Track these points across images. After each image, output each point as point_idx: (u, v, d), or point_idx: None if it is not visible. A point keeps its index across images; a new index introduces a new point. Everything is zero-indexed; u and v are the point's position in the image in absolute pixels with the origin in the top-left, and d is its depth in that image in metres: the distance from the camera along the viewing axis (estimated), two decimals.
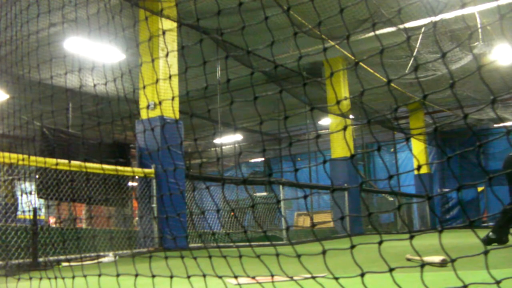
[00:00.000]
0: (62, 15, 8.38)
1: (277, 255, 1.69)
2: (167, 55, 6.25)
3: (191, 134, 15.39)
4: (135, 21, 7.89)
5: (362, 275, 1.46)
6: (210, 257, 2.08)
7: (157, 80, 5.92)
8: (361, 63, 10.49)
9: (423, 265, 1.37)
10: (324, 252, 1.54)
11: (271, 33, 1.84)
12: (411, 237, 1.30)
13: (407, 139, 17.90)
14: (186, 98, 8.93)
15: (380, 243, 1.39)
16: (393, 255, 3.96)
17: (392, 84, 11.72)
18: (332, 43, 8.78)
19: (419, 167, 1.54)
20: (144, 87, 6.51)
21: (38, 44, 4.11)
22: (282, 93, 2.14)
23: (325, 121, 16.89)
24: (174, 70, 7.92)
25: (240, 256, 1.92)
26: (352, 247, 1.48)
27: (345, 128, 1.58)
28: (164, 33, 6.44)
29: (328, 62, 11.25)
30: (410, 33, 9.35)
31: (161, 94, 7.34)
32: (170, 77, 6.63)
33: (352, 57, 10.63)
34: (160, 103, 7.14)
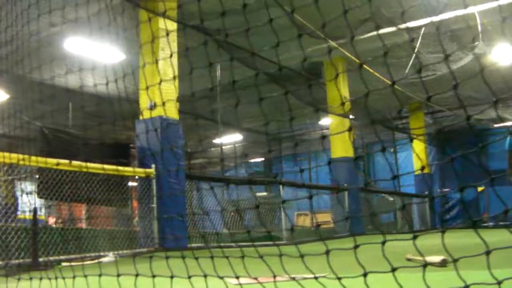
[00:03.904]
0: (62, 15, 8.37)
1: (280, 255, 1.69)
2: (171, 56, 6.25)
3: (191, 134, 15.39)
4: (137, 21, 7.88)
5: (365, 275, 1.46)
6: (212, 257, 2.08)
7: (160, 81, 5.92)
8: (360, 63, 10.46)
9: (425, 265, 1.37)
10: (327, 252, 1.54)
11: (276, 35, 1.84)
12: (415, 237, 1.30)
13: (411, 140, 17.86)
14: (186, 98, 8.94)
15: (383, 243, 1.38)
16: (393, 255, 3.94)
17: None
18: (332, 43, 8.77)
19: (422, 168, 1.54)
20: (147, 88, 6.51)
21: (38, 44, 4.11)
22: (282, 93, 2.13)
23: (325, 121, 16.89)
24: (174, 70, 7.91)
25: (243, 257, 1.92)
26: (356, 247, 1.48)
27: (350, 129, 1.57)
28: (168, 34, 6.43)
29: (332, 62, 11.24)
30: (410, 33, 9.34)
31: (161, 95, 7.34)
32: (174, 77, 6.63)
33: (352, 57, 10.63)
34: (163, 104, 7.13)
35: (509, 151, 8.62)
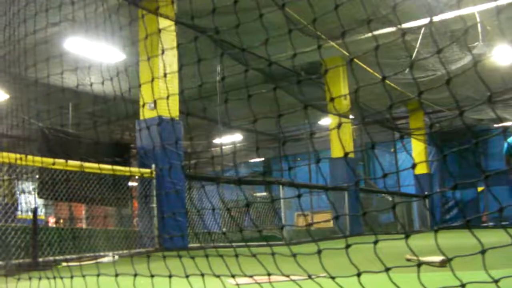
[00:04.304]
0: (64, 15, 8.38)
1: (273, 254, 1.70)
2: (162, 53, 6.25)
3: (190, 134, 15.38)
4: (136, 21, 7.90)
5: (359, 274, 1.47)
6: (207, 256, 2.08)
7: (153, 78, 5.92)
8: (360, 63, 10.48)
9: (419, 264, 1.37)
10: (319, 252, 1.54)
11: (266, 31, 1.84)
12: (407, 237, 1.30)
13: (402, 137, 17.89)
14: (185, 98, 8.95)
15: (375, 242, 1.39)
16: (393, 255, 3.95)
17: (392, 84, 11.72)
18: (331, 43, 8.78)
19: (414, 166, 1.54)
20: (139, 86, 6.50)
21: (37, 43, 4.12)
22: (280, 93, 2.14)
23: (325, 121, 16.90)
24: (174, 69, 7.93)
25: (237, 256, 1.93)
26: (347, 246, 1.48)
27: (339, 126, 1.57)
28: (160, 31, 6.44)
29: (323, 60, 11.26)
30: (410, 33, 9.35)
31: (161, 94, 7.35)
32: (165, 75, 6.64)
33: (351, 57, 10.63)
34: (167, 100, 7.14)
35: (506, 155, 8.68)
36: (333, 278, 1.53)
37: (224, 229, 9.63)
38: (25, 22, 4.23)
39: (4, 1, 4.94)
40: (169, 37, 7.75)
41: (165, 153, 7.34)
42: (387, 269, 1.38)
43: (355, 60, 10.39)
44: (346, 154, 1.65)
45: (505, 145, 8.77)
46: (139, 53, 8.01)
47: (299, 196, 1.87)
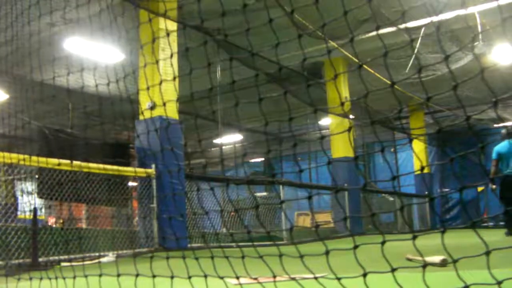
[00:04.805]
0: (60, 15, 8.37)
1: (280, 256, 1.69)
2: (171, 56, 6.24)
3: (191, 134, 15.38)
4: (137, 22, 7.88)
5: (364, 275, 1.46)
6: (212, 257, 2.08)
7: (160, 82, 5.91)
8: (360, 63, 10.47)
9: (425, 265, 1.37)
10: (327, 253, 1.54)
11: (275, 35, 1.84)
12: (414, 238, 1.30)
13: (410, 141, 17.84)
14: (186, 99, 8.94)
15: (383, 243, 1.38)
16: (393, 255, 3.94)
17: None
18: (333, 44, 8.77)
19: (422, 169, 1.54)
20: (147, 88, 6.50)
21: (35, 44, 4.12)
22: (282, 93, 2.14)
23: (325, 121, 16.89)
24: (175, 69, 7.92)
25: (243, 257, 1.92)
26: (355, 247, 1.48)
27: (349, 129, 1.58)
28: (168, 34, 6.43)
29: (331, 62, 11.25)
30: (410, 33, 9.35)
31: (162, 95, 7.33)
32: (174, 78, 6.63)
33: (353, 58, 10.64)
34: (164, 104, 7.14)
35: (495, 160, 8.24)
36: (339, 279, 1.53)
37: (224, 229, 9.63)
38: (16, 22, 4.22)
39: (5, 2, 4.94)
40: (170, 38, 7.74)
41: (165, 153, 7.33)
42: (393, 270, 1.37)
43: (355, 59, 10.39)
44: (356, 157, 1.64)
45: (495, 149, 8.41)
46: (141, 54, 7.98)
47: (309, 197, 1.87)
